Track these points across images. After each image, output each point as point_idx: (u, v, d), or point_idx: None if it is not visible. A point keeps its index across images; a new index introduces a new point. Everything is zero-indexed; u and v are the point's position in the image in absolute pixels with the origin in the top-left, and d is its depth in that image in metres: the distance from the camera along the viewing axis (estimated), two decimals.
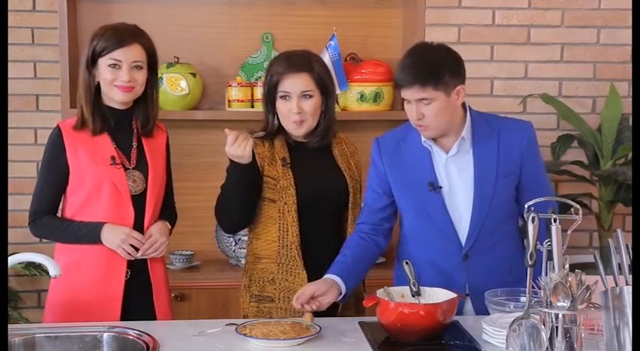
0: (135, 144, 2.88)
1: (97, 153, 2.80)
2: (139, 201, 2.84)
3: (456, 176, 2.79)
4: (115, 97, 2.81)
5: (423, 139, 2.80)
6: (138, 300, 2.85)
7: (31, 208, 2.87)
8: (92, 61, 2.81)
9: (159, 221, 2.91)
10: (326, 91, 2.90)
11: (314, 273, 2.82)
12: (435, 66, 2.68)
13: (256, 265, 2.92)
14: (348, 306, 2.91)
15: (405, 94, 2.71)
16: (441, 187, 2.77)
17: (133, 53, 2.80)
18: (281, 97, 2.85)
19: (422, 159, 2.81)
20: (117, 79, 2.78)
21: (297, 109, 2.83)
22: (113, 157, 2.80)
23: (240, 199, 2.86)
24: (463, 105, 2.80)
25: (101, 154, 2.80)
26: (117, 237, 2.77)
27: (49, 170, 2.84)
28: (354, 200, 2.94)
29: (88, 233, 2.78)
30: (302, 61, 2.87)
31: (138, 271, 2.86)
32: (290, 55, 2.90)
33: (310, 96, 2.85)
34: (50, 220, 2.85)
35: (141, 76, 2.82)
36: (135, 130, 2.89)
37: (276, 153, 2.89)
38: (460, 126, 2.78)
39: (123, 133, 2.87)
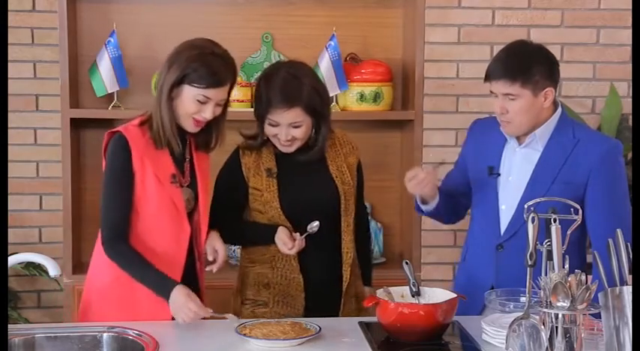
0: (188, 157, 2.76)
1: (159, 169, 2.67)
2: (190, 219, 2.74)
3: (517, 168, 2.82)
4: (187, 127, 2.68)
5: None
6: None
7: (104, 227, 2.67)
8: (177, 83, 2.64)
9: (212, 233, 2.81)
10: (317, 114, 2.81)
11: (311, 279, 2.84)
12: (528, 64, 2.71)
13: (251, 269, 2.91)
14: (347, 306, 2.92)
15: (493, 86, 2.74)
16: (499, 174, 2.82)
17: (223, 92, 2.66)
18: (269, 123, 2.78)
19: (496, 144, 2.86)
20: (198, 113, 2.64)
21: (285, 137, 2.78)
22: (174, 176, 2.69)
23: None
24: (556, 106, 2.82)
25: (163, 171, 2.68)
26: (183, 309, 2.56)
27: (122, 183, 2.65)
28: (346, 206, 2.89)
29: (157, 288, 2.62)
30: (293, 92, 2.75)
31: (190, 280, 2.74)
32: (283, 83, 2.76)
33: (300, 125, 2.78)
34: (126, 251, 2.65)
35: (218, 111, 2.68)
36: (187, 143, 2.76)
37: (262, 163, 2.85)
38: (544, 123, 2.79)
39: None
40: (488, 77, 2.75)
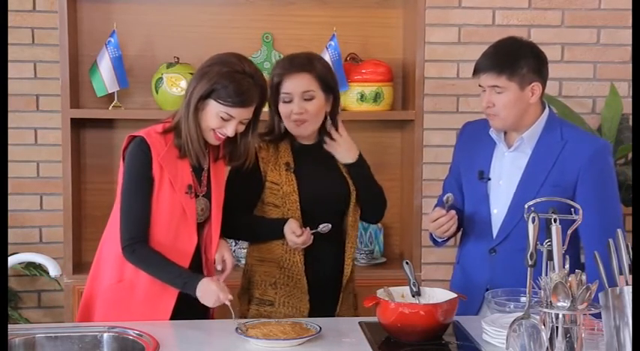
0: (206, 166, 2.75)
1: (177, 179, 2.67)
2: (200, 229, 2.74)
3: (507, 172, 2.82)
4: (208, 139, 2.69)
5: (490, 130, 2.83)
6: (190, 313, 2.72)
7: (124, 231, 2.65)
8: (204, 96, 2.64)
9: (222, 242, 2.81)
10: (329, 90, 2.87)
11: (314, 280, 2.85)
12: (515, 57, 2.72)
13: (258, 267, 2.91)
14: (346, 303, 2.93)
15: (481, 79, 2.75)
16: (489, 179, 2.83)
17: (247, 112, 2.67)
18: (283, 99, 2.83)
19: (485, 148, 2.87)
20: (220, 129, 2.65)
21: (298, 109, 2.81)
22: (190, 186, 2.69)
23: None
24: (544, 107, 2.82)
25: (180, 181, 2.68)
26: (213, 297, 2.59)
27: (142, 187, 2.65)
28: (355, 201, 2.92)
29: (182, 285, 2.63)
30: (303, 61, 2.85)
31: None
32: (292, 57, 2.89)
33: (312, 97, 2.82)
34: (147, 253, 2.66)
35: (241, 128, 2.69)
36: (208, 152, 2.76)
37: (280, 157, 2.87)
38: (531, 125, 2.79)
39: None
40: (477, 71, 2.77)
